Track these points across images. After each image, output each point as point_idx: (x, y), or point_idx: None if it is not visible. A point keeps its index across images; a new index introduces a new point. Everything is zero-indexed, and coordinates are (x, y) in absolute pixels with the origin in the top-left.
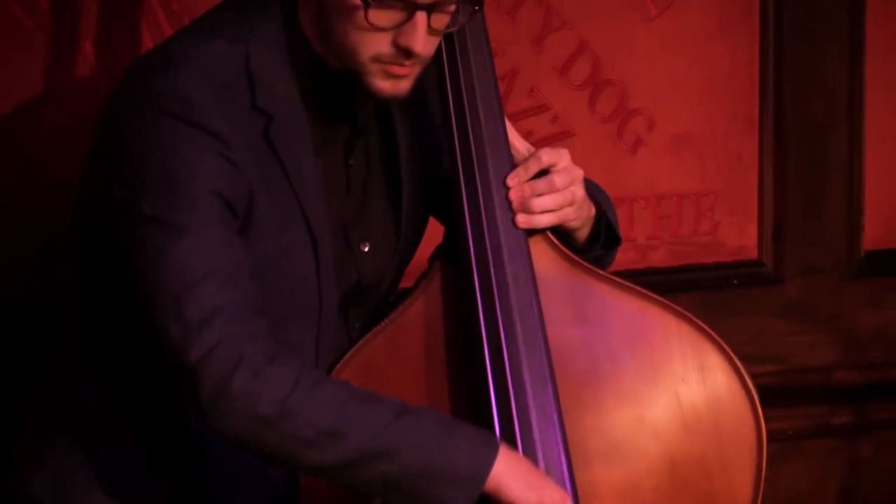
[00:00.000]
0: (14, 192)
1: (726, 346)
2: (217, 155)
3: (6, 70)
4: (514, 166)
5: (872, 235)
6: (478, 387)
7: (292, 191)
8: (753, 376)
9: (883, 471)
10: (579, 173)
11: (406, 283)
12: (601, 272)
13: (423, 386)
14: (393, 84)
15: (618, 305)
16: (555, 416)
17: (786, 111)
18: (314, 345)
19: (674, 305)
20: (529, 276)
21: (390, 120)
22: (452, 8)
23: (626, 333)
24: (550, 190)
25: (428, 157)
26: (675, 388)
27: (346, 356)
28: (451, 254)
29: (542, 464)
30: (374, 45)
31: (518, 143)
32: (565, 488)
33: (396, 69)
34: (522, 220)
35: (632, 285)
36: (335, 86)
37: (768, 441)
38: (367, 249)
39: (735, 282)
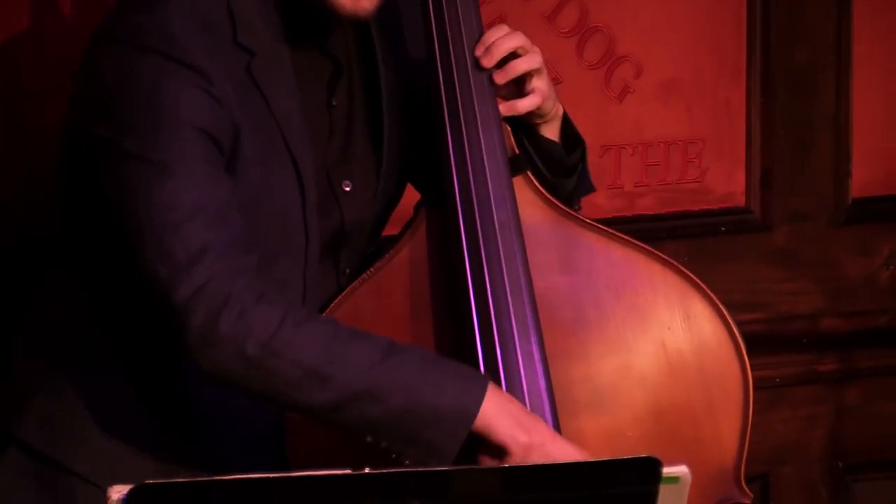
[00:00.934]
0: None
1: (712, 294)
2: (201, 90)
3: None
4: (499, 115)
5: (860, 182)
6: (463, 335)
7: (278, 127)
8: (741, 323)
9: (869, 418)
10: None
11: (392, 230)
12: (587, 220)
13: (409, 334)
14: (353, 1)
15: (604, 253)
16: (540, 365)
17: (773, 58)
18: (302, 283)
19: (659, 253)
20: (515, 223)
21: (373, 61)
22: None
23: (612, 282)
24: (528, 67)
25: (411, 100)
26: (661, 336)
27: (332, 304)
28: (437, 201)
29: None
30: None
31: None
32: None
33: None
34: (502, 74)
35: (617, 233)
36: (311, 18)
37: (755, 389)
38: (349, 190)
39: (722, 229)
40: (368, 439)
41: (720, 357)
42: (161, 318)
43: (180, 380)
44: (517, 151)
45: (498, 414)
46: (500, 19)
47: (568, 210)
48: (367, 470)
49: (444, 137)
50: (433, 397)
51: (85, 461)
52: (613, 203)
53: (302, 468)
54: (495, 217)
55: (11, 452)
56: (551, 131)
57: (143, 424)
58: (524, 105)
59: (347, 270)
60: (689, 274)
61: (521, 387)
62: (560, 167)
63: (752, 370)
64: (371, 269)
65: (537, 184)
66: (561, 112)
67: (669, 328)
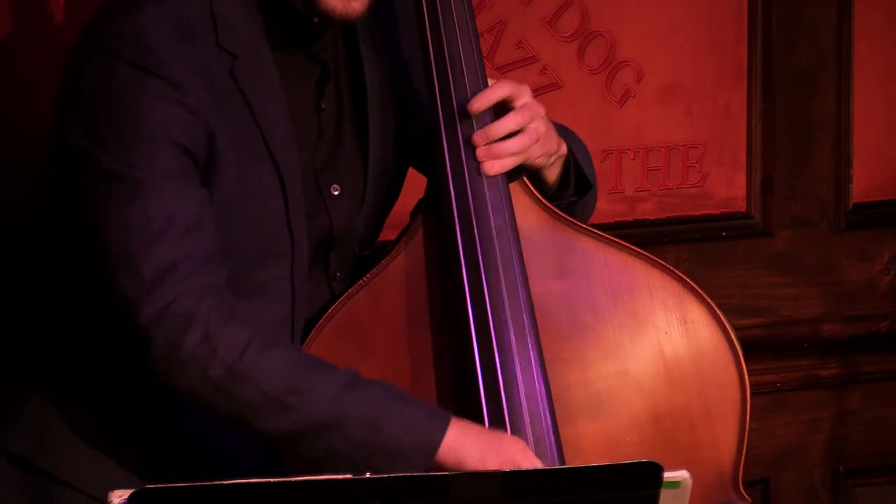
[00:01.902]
0: None
1: (709, 299)
2: (175, 103)
3: None
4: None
5: (861, 187)
6: (461, 342)
7: (258, 129)
8: (741, 328)
9: (870, 423)
10: (540, 109)
11: (388, 236)
12: (583, 226)
13: (406, 341)
14: (344, 2)
15: (600, 259)
16: (538, 371)
17: (774, 62)
18: (290, 287)
19: (656, 258)
20: (512, 229)
21: (359, 62)
22: None
23: (609, 287)
24: (515, 124)
25: (402, 103)
26: (659, 341)
27: (329, 311)
28: (434, 208)
29: (526, 419)
30: None
31: None
32: (549, 443)
33: None
34: (490, 166)
35: (614, 239)
36: (297, 22)
37: (756, 394)
38: (337, 193)
39: (723, 234)
40: (327, 470)
41: (717, 362)
42: (127, 337)
43: (165, 395)
44: None
45: (465, 442)
46: (501, 24)
47: (564, 215)
48: (367, 475)
49: (441, 142)
50: (396, 429)
51: (74, 469)
52: (614, 208)
53: (300, 471)
54: (492, 223)
55: None
56: (549, 173)
57: (130, 431)
58: (509, 164)
59: (339, 274)
60: (686, 279)
61: (519, 393)
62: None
63: (752, 375)
64: (367, 276)
65: (534, 189)
66: (563, 153)
67: (667, 333)
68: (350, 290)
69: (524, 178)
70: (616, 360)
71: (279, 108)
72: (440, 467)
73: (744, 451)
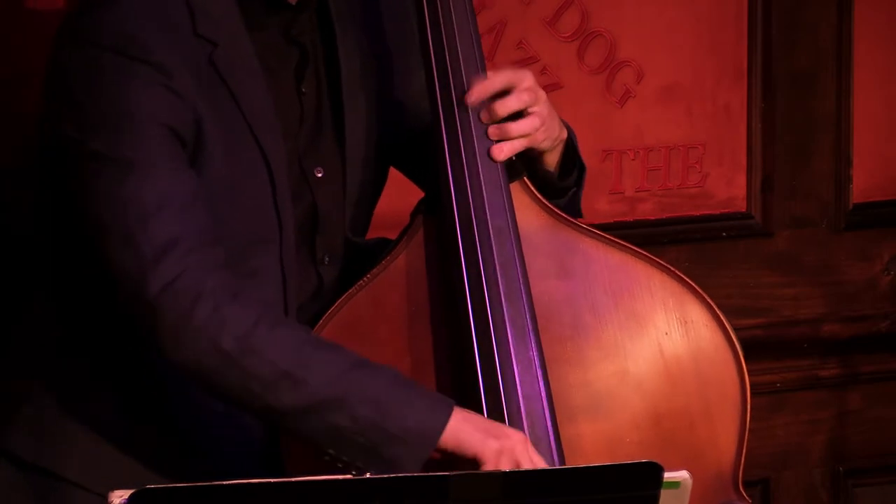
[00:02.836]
0: None
1: (709, 299)
2: (161, 86)
3: None
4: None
5: (861, 187)
6: (461, 342)
7: (242, 116)
8: (741, 329)
9: (870, 423)
10: (542, 93)
11: (388, 236)
12: (584, 226)
13: (406, 341)
14: None
15: (601, 259)
16: (538, 372)
17: (774, 62)
18: (280, 272)
19: (656, 259)
20: (513, 229)
21: (334, 46)
22: None
23: (609, 287)
24: (519, 104)
25: (386, 90)
26: (659, 342)
27: (329, 311)
28: (434, 208)
29: (525, 419)
30: None
31: None
32: (549, 443)
33: None
34: (499, 149)
35: (614, 239)
36: (274, 2)
37: (756, 394)
38: (321, 176)
39: (723, 234)
40: (330, 452)
41: (718, 362)
42: (130, 318)
43: (167, 383)
44: (513, 157)
45: (466, 427)
46: (502, 24)
47: (565, 216)
48: (368, 475)
49: (441, 144)
50: (401, 412)
51: (76, 467)
52: (614, 208)
53: (298, 470)
54: (492, 223)
55: (1, 465)
56: (551, 157)
57: (132, 428)
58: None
59: (326, 259)
60: (686, 279)
61: (519, 393)
62: (551, 189)
63: (753, 375)
64: (367, 276)
65: (534, 189)
66: (563, 137)
67: (667, 333)
68: (350, 290)
69: (524, 178)
70: (616, 361)
71: (262, 94)
72: (441, 451)
73: (744, 452)
